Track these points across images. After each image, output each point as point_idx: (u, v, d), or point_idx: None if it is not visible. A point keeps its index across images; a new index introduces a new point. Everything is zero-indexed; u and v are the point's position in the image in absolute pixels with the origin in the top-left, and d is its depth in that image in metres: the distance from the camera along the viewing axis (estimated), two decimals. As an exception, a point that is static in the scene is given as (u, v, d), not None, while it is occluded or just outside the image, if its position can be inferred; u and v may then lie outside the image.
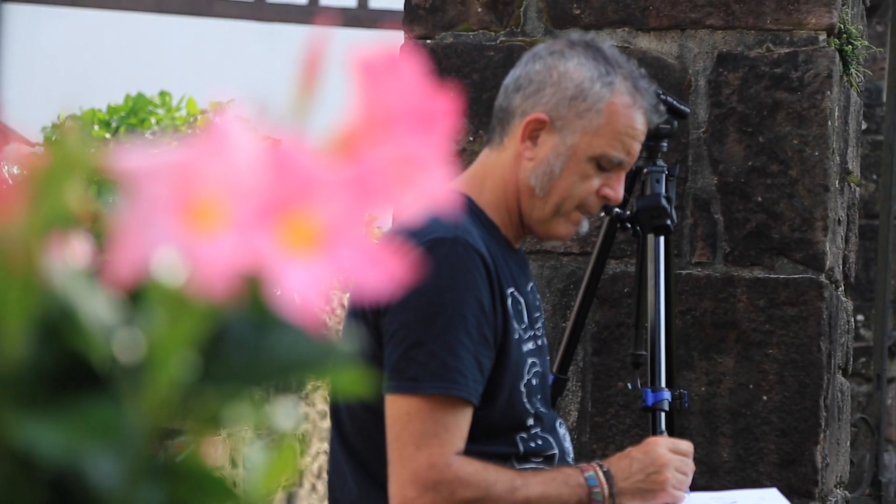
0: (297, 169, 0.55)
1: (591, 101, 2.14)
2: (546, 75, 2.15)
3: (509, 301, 2.11)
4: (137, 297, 0.53)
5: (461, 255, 2.03)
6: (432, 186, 0.56)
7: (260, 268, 0.53)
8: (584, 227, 2.21)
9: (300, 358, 0.53)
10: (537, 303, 2.23)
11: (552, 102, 2.14)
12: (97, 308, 0.53)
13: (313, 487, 5.75)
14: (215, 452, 0.55)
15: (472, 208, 2.16)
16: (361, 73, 0.58)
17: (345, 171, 0.56)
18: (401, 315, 2.04)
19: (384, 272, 0.55)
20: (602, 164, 2.15)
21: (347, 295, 3.43)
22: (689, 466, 2.13)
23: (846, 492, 3.24)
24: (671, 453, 2.11)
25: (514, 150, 2.16)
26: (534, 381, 2.14)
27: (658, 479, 2.08)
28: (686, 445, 2.15)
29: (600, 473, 2.08)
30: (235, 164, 0.54)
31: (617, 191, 2.16)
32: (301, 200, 0.55)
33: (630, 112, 2.15)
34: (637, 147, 2.17)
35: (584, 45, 2.18)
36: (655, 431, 2.46)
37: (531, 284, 2.22)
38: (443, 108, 0.58)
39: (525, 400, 2.12)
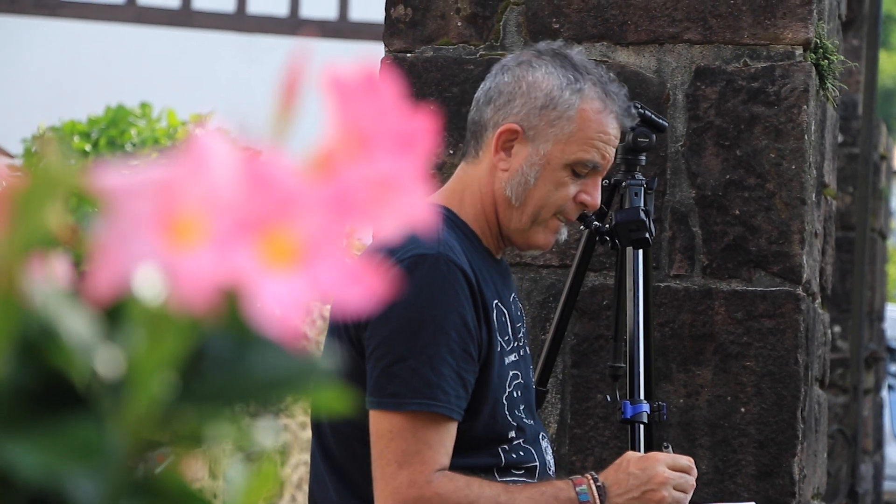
0: (276, 186, 0.55)
1: (562, 109, 2.14)
2: (515, 86, 2.16)
3: (493, 313, 2.10)
4: (117, 314, 0.53)
5: (444, 271, 2.03)
6: (410, 206, 0.57)
7: (239, 284, 0.53)
8: (563, 234, 2.21)
9: (280, 376, 0.53)
10: (520, 313, 2.23)
11: (523, 112, 2.15)
12: (77, 326, 0.53)
13: (293, 499, 5.73)
14: (195, 466, 0.55)
15: (455, 221, 2.16)
16: (339, 93, 0.59)
17: (323, 188, 0.56)
18: (382, 330, 2.03)
19: (363, 289, 0.56)
20: (577, 171, 2.15)
21: (328, 306, 3.43)
22: (690, 483, 2.09)
23: (823, 503, 3.25)
24: (670, 471, 2.07)
25: (488, 162, 2.17)
26: (515, 394, 2.14)
27: (654, 498, 2.05)
28: (686, 461, 2.11)
29: (593, 487, 2.05)
30: (215, 181, 0.54)
31: (594, 196, 2.16)
32: (280, 217, 0.55)
33: (601, 117, 2.15)
34: (611, 151, 2.18)
35: (552, 53, 2.18)
36: (634, 443, 2.46)
37: (514, 294, 2.22)
38: (420, 128, 0.58)
39: (507, 412, 2.12)
